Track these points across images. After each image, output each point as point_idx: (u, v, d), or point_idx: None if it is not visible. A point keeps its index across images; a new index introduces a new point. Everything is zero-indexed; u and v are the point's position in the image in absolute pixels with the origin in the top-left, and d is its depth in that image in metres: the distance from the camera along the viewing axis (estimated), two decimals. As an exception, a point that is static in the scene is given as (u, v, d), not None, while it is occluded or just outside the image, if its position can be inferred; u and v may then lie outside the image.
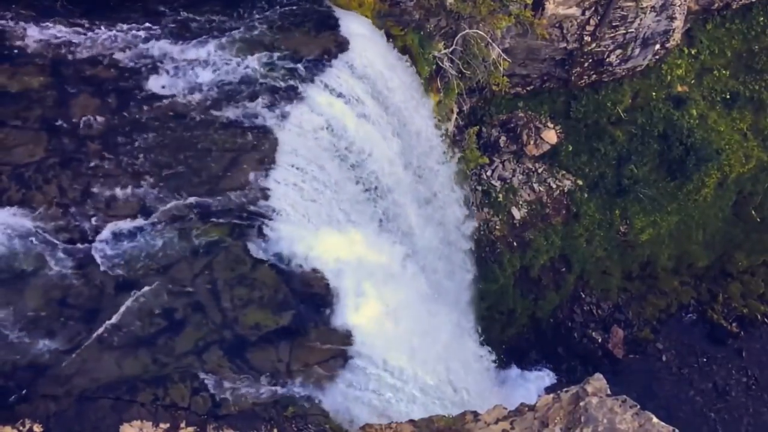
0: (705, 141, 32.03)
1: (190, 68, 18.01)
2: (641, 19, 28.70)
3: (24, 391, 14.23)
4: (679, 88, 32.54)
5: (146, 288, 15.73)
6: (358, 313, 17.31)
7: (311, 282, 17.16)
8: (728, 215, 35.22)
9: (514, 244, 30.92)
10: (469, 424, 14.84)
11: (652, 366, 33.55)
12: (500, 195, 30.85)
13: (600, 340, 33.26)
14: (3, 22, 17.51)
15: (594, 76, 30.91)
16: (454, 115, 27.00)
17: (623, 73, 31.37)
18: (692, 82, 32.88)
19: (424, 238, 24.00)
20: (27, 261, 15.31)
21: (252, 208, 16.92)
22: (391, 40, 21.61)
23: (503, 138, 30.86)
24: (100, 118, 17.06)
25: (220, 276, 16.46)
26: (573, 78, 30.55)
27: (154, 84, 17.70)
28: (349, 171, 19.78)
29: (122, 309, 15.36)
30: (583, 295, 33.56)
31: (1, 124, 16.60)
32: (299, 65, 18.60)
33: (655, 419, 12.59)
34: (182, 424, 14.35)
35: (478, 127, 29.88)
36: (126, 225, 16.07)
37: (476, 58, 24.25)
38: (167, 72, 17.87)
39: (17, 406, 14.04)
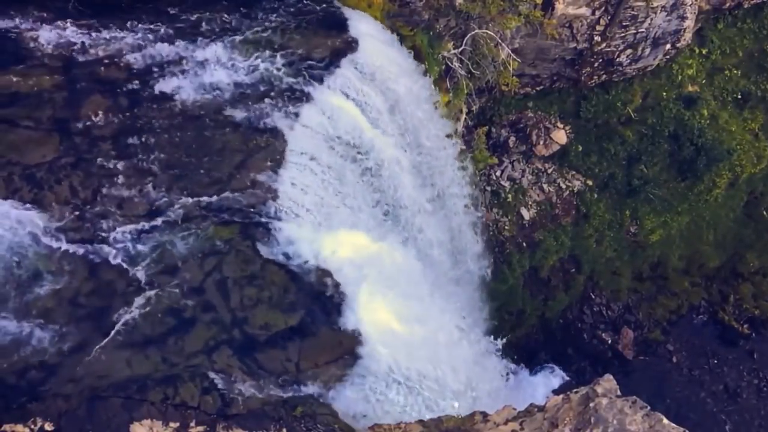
0: (716, 141, 31.85)
1: (200, 69, 18.08)
2: (652, 19, 28.58)
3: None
4: (690, 88, 32.37)
5: (156, 287, 15.81)
6: (368, 313, 17.33)
7: (320, 282, 17.20)
8: (739, 215, 35.00)
9: (524, 244, 30.84)
10: (479, 425, 14.83)
11: (663, 367, 33.38)
12: (509, 195, 30.79)
13: (610, 341, 33.14)
14: (15, 23, 17.64)
15: (604, 75, 30.80)
16: (463, 116, 26.97)
17: (633, 73, 31.24)
18: (703, 81, 32.71)
19: (434, 239, 23.98)
20: (38, 260, 15.42)
21: (262, 208, 16.99)
22: (400, 40, 21.60)
23: (512, 138, 30.80)
24: (111, 119, 17.17)
25: (229, 276, 16.54)
26: (583, 78, 30.45)
27: (165, 84, 17.79)
28: (358, 172, 19.81)
29: (133, 309, 15.45)
30: (593, 296, 33.43)
31: (13, 125, 16.72)
32: (308, 66, 18.63)
33: (665, 420, 12.55)
34: (192, 423, 14.41)
35: (487, 127, 29.84)
36: (136, 225, 16.17)
37: (485, 58, 24.23)
38: (177, 72, 17.96)
39: (29, 404, 14.15)
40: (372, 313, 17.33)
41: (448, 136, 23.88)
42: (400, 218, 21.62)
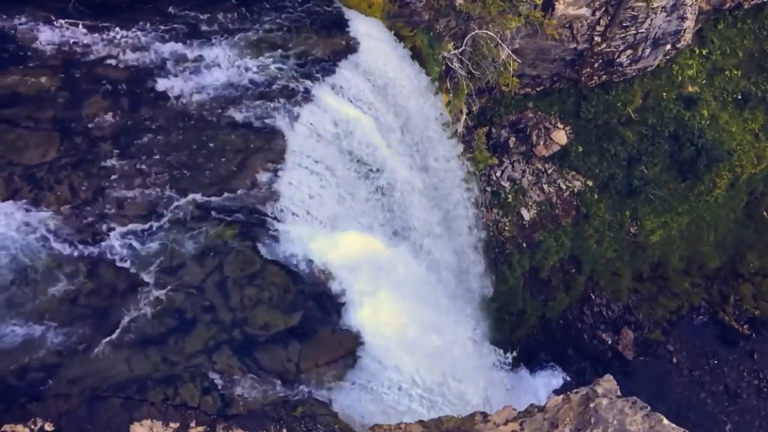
0: (716, 141, 31.87)
1: (201, 69, 18.09)
2: (652, 20, 28.58)
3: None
4: (690, 89, 32.39)
5: (157, 288, 15.82)
6: (368, 314, 17.31)
7: (321, 282, 17.19)
8: (740, 216, 35.03)
9: (524, 245, 30.85)
10: (479, 425, 14.82)
11: (663, 368, 33.41)
12: (509, 196, 30.79)
13: (610, 342, 33.15)
14: (15, 23, 17.64)
15: (604, 76, 30.81)
16: (464, 116, 26.98)
17: (633, 74, 31.25)
18: (703, 82, 32.72)
19: (436, 240, 23.98)
20: (39, 261, 15.43)
21: (262, 208, 16.98)
22: (400, 40, 21.61)
23: (513, 139, 30.81)
24: (111, 119, 17.17)
25: (230, 276, 16.53)
26: (583, 78, 30.46)
27: (166, 85, 17.79)
28: (358, 172, 19.81)
29: (133, 309, 15.45)
30: (593, 297, 33.45)
31: (13, 125, 16.73)
32: (309, 66, 18.64)
33: (665, 421, 12.54)
34: (192, 424, 14.41)
35: (487, 127, 29.86)
36: (137, 225, 16.17)
37: (486, 58, 24.25)
38: (178, 73, 17.95)
39: (29, 404, 14.15)
40: (372, 314, 17.29)
41: (456, 157, 23.92)
42: (408, 238, 21.63)
